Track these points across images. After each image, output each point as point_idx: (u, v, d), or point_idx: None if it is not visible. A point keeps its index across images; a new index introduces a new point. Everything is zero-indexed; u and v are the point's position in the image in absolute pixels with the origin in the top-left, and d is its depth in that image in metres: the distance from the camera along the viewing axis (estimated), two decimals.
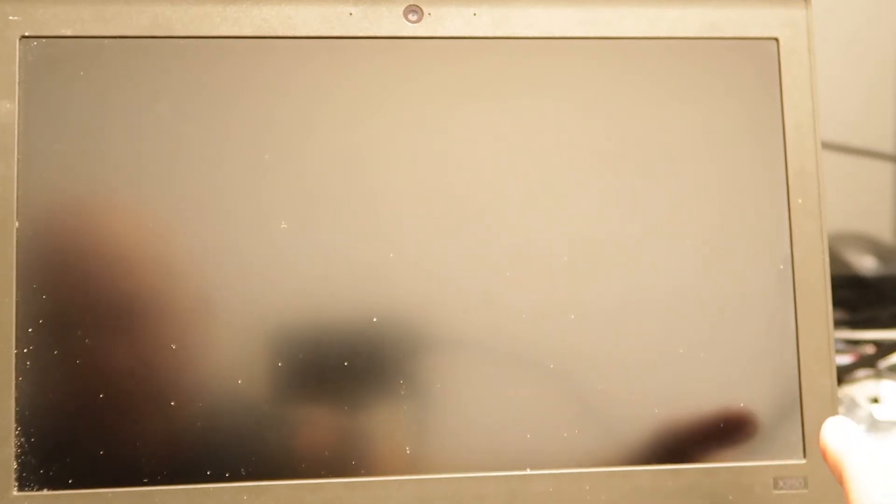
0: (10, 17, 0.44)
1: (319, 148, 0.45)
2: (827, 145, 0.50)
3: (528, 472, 0.45)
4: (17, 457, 0.42)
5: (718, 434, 0.46)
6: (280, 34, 0.46)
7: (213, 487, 0.43)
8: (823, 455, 0.39)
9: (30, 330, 0.43)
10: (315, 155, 0.45)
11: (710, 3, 0.48)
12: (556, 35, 0.47)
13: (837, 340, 0.71)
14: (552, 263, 0.46)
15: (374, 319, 0.45)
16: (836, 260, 0.74)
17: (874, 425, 0.61)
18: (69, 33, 0.44)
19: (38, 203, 0.44)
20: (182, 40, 0.45)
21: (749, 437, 0.46)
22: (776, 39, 0.48)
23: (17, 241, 0.43)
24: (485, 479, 0.44)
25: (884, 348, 0.70)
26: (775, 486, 0.46)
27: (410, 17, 0.46)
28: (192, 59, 0.45)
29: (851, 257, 0.84)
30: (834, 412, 0.46)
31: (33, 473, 0.43)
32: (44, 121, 0.44)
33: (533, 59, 0.47)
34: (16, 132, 0.44)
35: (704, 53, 0.48)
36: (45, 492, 0.42)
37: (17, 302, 0.43)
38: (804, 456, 0.46)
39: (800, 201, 0.47)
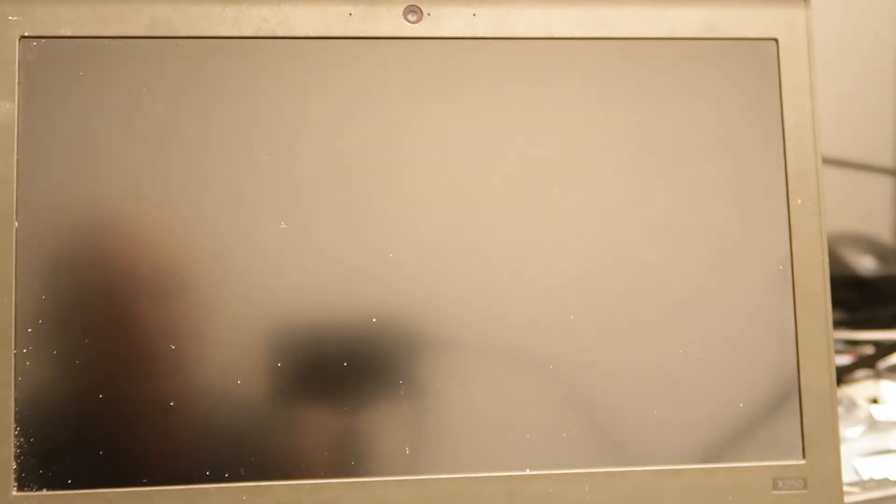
0: (10, 18, 0.44)
1: (319, 148, 0.45)
2: (826, 160, 0.49)
3: (528, 472, 0.45)
4: (17, 457, 0.42)
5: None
6: (279, 34, 0.46)
7: (213, 488, 0.43)
8: None
9: (29, 330, 0.43)
10: (315, 155, 0.45)
11: (709, 3, 0.48)
12: (556, 35, 0.47)
13: (837, 341, 0.71)
14: (552, 263, 0.46)
15: (374, 319, 0.45)
16: (835, 260, 0.74)
17: (874, 426, 0.61)
18: (68, 33, 0.44)
19: (38, 203, 0.44)
20: (181, 40, 0.45)
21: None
22: (775, 40, 0.48)
23: (17, 241, 0.43)
24: (485, 479, 0.44)
25: (883, 349, 0.70)
26: (774, 486, 0.46)
27: (410, 17, 0.46)
28: (192, 59, 0.45)
29: (851, 257, 0.84)
30: (833, 413, 0.46)
31: (33, 473, 0.42)
32: (44, 121, 0.44)
33: (532, 60, 0.47)
34: (16, 132, 0.44)
35: (704, 54, 0.48)
36: (44, 492, 0.42)
37: (16, 302, 0.43)
38: (803, 456, 0.46)
39: (799, 202, 0.47)
